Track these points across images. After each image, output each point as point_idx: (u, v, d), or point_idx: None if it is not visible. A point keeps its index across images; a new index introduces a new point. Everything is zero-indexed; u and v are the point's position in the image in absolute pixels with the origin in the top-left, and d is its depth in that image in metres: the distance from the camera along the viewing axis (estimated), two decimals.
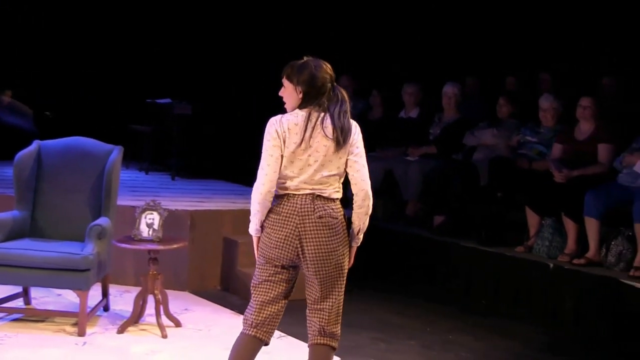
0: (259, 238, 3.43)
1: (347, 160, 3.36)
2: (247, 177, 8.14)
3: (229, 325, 5.21)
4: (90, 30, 10.01)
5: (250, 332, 3.44)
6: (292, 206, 3.33)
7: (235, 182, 7.97)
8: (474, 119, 7.32)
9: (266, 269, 3.41)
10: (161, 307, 4.95)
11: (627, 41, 7.76)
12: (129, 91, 9.73)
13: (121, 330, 4.89)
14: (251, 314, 3.44)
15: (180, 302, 5.60)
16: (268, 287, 3.42)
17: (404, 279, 6.62)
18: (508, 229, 6.49)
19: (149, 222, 4.94)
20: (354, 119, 3.44)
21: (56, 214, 5.21)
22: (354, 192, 3.40)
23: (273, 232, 3.35)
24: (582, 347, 5.23)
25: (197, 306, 5.66)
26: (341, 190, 3.42)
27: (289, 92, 3.39)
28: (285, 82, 3.40)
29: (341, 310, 3.51)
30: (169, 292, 5.17)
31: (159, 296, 4.93)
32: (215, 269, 6.19)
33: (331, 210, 3.35)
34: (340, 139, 3.31)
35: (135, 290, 5.18)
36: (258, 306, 3.43)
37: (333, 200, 3.37)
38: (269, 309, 3.44)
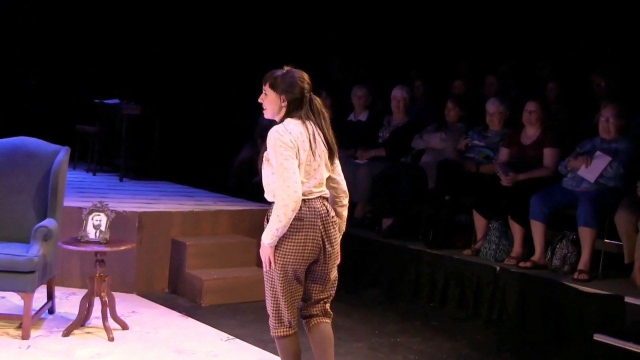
0: (274, 248, 3.50)
1: (331, 164, 3.65)
2: (195, 178, 8.13)
3: (176, 328, 5.18)
4: (37, 29, 9.84)
5: (291, 332, 3.64)
6: (313, 210, 3.52)
7: (184, 184, 7.92)
8: (422, 122, 7.40)
9: (290, 273, 3.53)
10: (108, 310, 4.89)
11: (569, 45, 7.95)
12: (77, 91, 9.58)
13: (66, 333, 4.81)
14: (286, 316, 3.59)
15: (127, 304, 5.53)
16: (295, 287, 3.58)
17: (351, 281, 6.64)
18: (456, 232, 6.57)
19: (96, 224, 4.88)
20: None
21: (0, 215, 5.09)
22: (337, 193, 3.74)
23: (301, 236, 3.50)
24: (527, 348, 5.32)
25: (145, 309, 5.60)
26: None
27: (271, 100, 3.56)
28: (268, 89, 3.57)
29: None
30: (116, 294, 5.11)
31: (106, 298, 4.87)
32: (163, 271, 6.14)
33: (332, 210, 3.64)
34: (333, 148, 3.60)
35: (81, 293, 5.10)
36: (290, 308, 3.59)
37: (328, 200, 3.66)
38: (296, 305, 3.64)
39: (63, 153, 5.17)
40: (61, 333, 4.81)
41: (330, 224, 3.58)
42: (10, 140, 5.31)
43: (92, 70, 9.72)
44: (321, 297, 3.68)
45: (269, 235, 3.47)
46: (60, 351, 4.56)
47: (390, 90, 7.43)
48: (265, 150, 3.52)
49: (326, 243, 3.56)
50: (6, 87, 9.56)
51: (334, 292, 3.74)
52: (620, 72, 7.10)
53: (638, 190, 5.41)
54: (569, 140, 6.26)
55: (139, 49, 9.90)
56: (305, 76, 3.58)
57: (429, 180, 6.74)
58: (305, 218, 3.49)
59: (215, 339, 4.99)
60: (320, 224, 3.53)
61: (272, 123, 3.58)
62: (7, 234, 5.03)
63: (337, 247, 3.66)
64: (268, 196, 3.58)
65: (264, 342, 4.92)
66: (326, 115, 3.61)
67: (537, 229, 5.83)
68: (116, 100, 8.25)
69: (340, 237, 3.72)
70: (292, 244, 3.49)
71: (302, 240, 3.50)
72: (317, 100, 3.61)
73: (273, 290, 3.58)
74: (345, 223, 3.79)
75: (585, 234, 5.57)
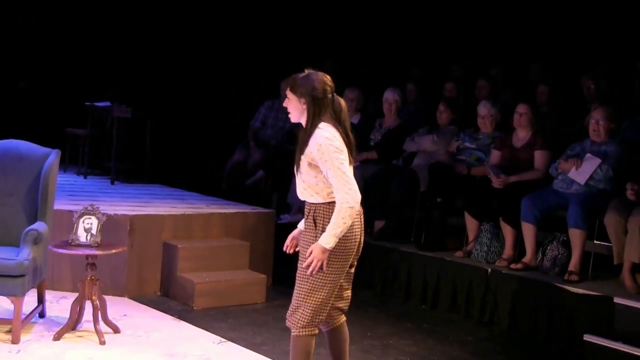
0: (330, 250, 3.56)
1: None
2: (187, 181, 8.12)
3: (168, 331, 5.17)
4: (27, 31, 9.81)
5: (316, 332, 3.67)
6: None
7: (176, 187, 7.91)
8: (414, 125, 7.41)
9: (341, 272, 3.61)
10: (99, 313, 4.87)
11: (561, 48, 7.99)
12: (67, 93, 9.56)
13: (57, 337, 4.79)
14: (322, 317, 3.64)
15: (118, 307, 5.52)
16: (335, 286, 3.63)
17: None
18: (447, 234, 6.58)
19: (87, 227, 4.86)
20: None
21: None
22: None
23: (353, 236, 3.60)
24: (518, 349, 5.35)
25: (136, 312, 5.59)
26: None
27: (293, 104, 3.63)
28: (289, 94, 3.65)
29: None
30: (107, 297, 5.09)
31: (97, 302, 4.85)
32: (154, 275, 6.12)
33: None
34: (353, 150, 3.68)
35: (72, 296, 5.08)
36: (326, 305, 3.63)
37: None
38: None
39: (53, 156, 5.15)
40: (52, 337, 4.79)
41: (363, 222, 3.71)
42: (0, 142, 5.29)
43: (83, 73, 9.70)
44: (345, 294, 3.77)
45: (333, 239, 3.51)
46: (50, 355, 4.54)
47: (382, 93, 7.44)
48: (302, 153, 3.56)
49: (362, 238, 3.69)
50: None
51: None
52: (611, 75, 7.14)
53: (627, 192, 5.43)
54: (560, 142, 6.28)
55: (131, 52, 9.89)
56: (327, 78, 3.62)
57: (421, 183, 6.75)
58: (354, 219, 3.60)
59: (207, 342, 4.99)
60: (359, 222, 3.66)
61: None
62: None
63: None
64: (303, 196, 3.66)
65: (256, 345, 4.93)
66: (348, 118, 3.71)
67: (528, 231, 5.85)
68: (107, 103, 8.24)
69: None
70: (349, 244, 3.58)
71: (354, 240, 3.61)
72: (341, 102, 3.66)
73: (319, 291, 3.58)
74: None
75: (575, 236, 5.59)
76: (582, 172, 5.75)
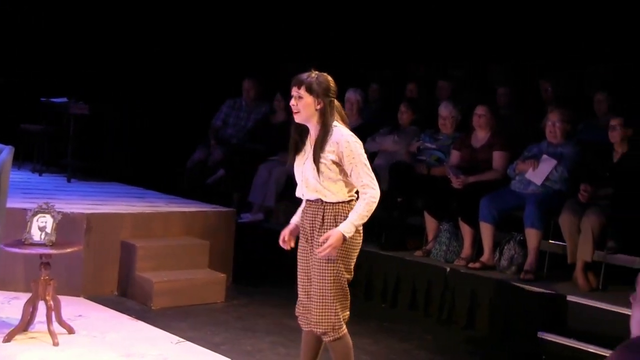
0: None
1: None
2: (147, 180, 8.02)
3: (125, 331, 5.09)
4: None
5: (306, 328, 3.78)
6: None
7: (134, 185, 7.80)
8: (375, 125, 7.42)
9: (351, 268, 3.74)
10: (53, 314, 4.76)
11: (521, 51, 8.07)
12: (21, 89, 9.36)
13: (8, 338, 4.67)
14: (344, 314, 3.71)
15: (74, 308, 5.42)
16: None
17: None
18: (407, 233, 6.61)
19: (41, 226, 4.76)
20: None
21: None
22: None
23: (361, 230, 3.71)
24: (476, 347, 5.39)
25: (92, 312, 5.50)
26: None
27: (307, 104, 3.58)
28: (303, 93, 3.58)
29: None
30: (62, 297, 4.99)
31: (51, 302, 4.74)
32: (112, 274, 6.03)
33: None
34: None
35: (25, 297, 4.96)
36: (346, 305, 3.72)
37: None
38: None
39: (6, 152, 5.03)
40: (2, 339, 4.67)
41: None
42: None
43: (38, 69, 9.51)
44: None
45: (353, 228, 3.60)
46: (1, 358, 4.43)
47: (344, 93, 7.44)
48: (322, 152, 3.55)
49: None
50: None
51: None
52: (568, 77, 7.24)
53: (580, 193, 5.51)
54: (520, 144, 6.35)
55: (88, 47, 9.72)
56: (332, 80, 3.65)
57: (382, 183, 6.73)
58: None
59: (166, 342, 4.92)
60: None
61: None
62: None
63: None
64: (315, 194, 3.61)
65: (215, 344, 4.88)
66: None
67: (486, 231, 5.90)
68: (64, 99, 8.08)
69: None
70: (360, 239, 3.72)
71: (361, 234, 3.71)
72: (339, 104, 3.70)
73: (339, 291, 3.67)
74: None
75: (532, 235, 5.66)
76: (539, 173, 5.82)
